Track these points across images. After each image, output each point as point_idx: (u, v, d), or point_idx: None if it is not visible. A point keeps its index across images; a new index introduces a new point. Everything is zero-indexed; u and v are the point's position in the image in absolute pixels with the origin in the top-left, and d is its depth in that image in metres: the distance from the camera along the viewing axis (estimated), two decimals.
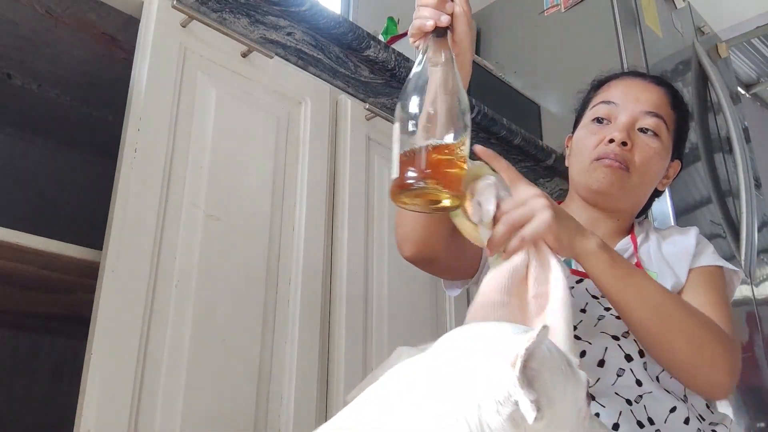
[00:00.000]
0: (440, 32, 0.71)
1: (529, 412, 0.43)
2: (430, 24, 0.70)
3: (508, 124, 1.51)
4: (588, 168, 0.94)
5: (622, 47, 1.91)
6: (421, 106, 0.65)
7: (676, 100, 0.99)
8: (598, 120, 0.97)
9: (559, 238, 0.68)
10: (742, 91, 3.48)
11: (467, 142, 0.66)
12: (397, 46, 1.83)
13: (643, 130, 0.94)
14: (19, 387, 1.27)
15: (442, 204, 0.67)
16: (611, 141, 0.92)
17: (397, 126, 0.67)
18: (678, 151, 1.01)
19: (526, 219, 0.67)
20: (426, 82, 0.67)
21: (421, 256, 0.89)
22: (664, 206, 1.73)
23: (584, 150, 0.96)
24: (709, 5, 2.66)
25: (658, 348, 0.78)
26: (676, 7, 2.23)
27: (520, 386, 0.43)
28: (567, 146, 1.07)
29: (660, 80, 1.01)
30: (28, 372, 1.29)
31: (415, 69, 0.69)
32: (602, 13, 2.01)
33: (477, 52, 2.29)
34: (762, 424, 1.79)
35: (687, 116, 1.02)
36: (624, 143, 0.92)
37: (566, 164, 1.05)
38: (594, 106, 0.99)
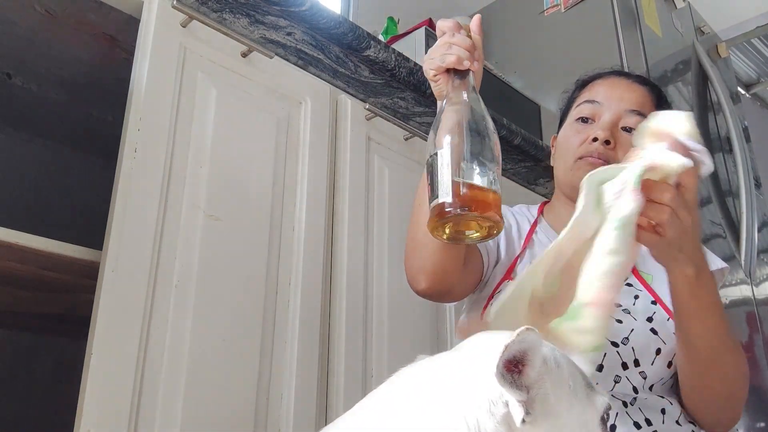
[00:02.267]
0: (465, 74, 0.74)
1: (516, 412, 0.43)
2: (467, 64, 0.73)
3: (508, 124, 1.51)
4: (572, 167, 0.94)
5: (622, 47, 1.91)
6: (453, 141, 0.67)
7: (659, 99, 0.99)
8: (582, 119, 0.97)
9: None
10: (742, 91, 3.48)
11: (499, 170, 0.68)
12: (397, 46, 1.83)
13: (626, 129, 0.94)
14: (19, 387, 1.27)
15: (479, 233, 0.67)
16: (595, 140, 0.92)
17: (438, 158, 0.67)
18: None
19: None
20: (458, 118, 0.69)
21: (436, 289, 0.87)
22: None
23: (568, 149, 0.96)
24: (709, 5, 2.66)
25: (695, 380, 0.80)
26: (676, 7, 2.23)
27: (500, 382, 0.43)
28: (552, 146, 1.07)
29: (644, 80, 1.01)
30: (28, 372, 1.29)
31: (447, 106, 0.71)
32: (602, 13, 2.00)
33: None
34: (762, 424, 1.79)
35: None
36: (607, 142, 0.91)
37: (551, 164, 1.05)
38: (578, 105, 0.99)
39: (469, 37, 0.75)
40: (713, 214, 1.96)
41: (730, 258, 1.94)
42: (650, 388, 0.84)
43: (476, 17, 0.78)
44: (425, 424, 0.46)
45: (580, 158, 0.93)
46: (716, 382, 0.78)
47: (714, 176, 2.04)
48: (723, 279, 0.98)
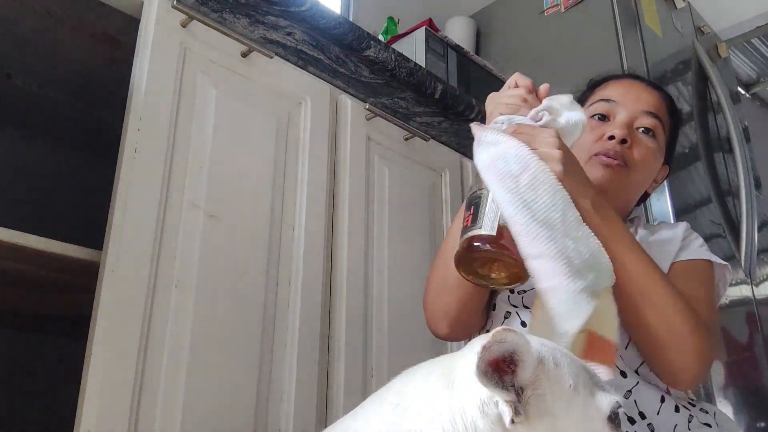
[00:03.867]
0: None
1: (505, 412, 0.43)
2: None
3: None
4: (586, 164, 0.93)
5: (622, 47, 1.91)
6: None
7: (672, 106, 1.01)
8: (599, 116, 0.97)
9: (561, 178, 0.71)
10: (742, 91, 3.47)
11: None
12: (397, 46, 1.83)
13: (641, 129, 0.94)
14: (19, 387, 1.27)
15: (503, 277, 0.68)
16: (611, 138, 0.92)
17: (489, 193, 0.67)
18: (668, 156, 1.02)
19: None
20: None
21: (458, 333, 0.89)
22: (664, 206, 1.73)
23: (582, 146, 0.95)
24: (709, 5, 2.65)
25: (630, 318, 0.78)
26: (676, 7, 2.23)
27: (483, 383, 0.43)
28: None
29: (656, 85, 1.02)
30: (28, 372, 1.29)
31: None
32: (602, 13, 2.00)
33: (477, 52, 2.29)
34: (762, 424, 1.79)
35: (679, 124, 1.04)
36: (624, 140, 0.92)
37: None
38: (592, 103, 1.00)
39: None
40: (713, 214, 1.96)
41: (730, 258, 1.94)
42: (637, 372, 0.83)
43: (545, 87, 0.82)
44: (423, 425, 0.46)
45: (596, 155, 0.93)
46: (649, 316, 0.76)
47: (714, 176, 2.04)
48: (726, 277, 0.97)
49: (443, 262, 0.86)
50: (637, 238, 0.98)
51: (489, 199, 0.65)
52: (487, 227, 0.64)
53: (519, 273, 0.65)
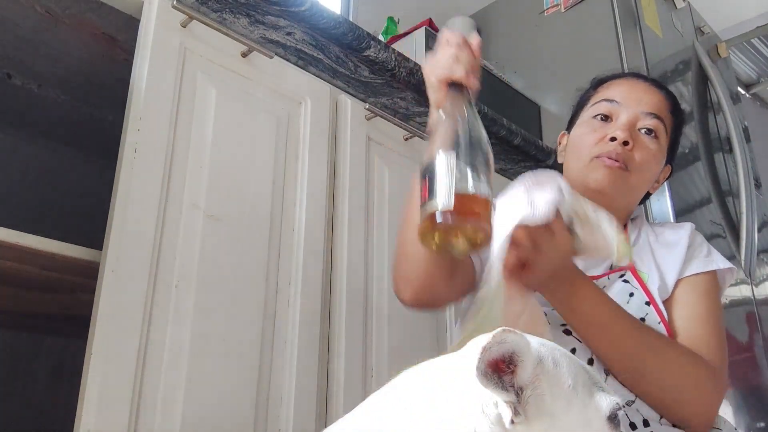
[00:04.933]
0: (464, 89, 0.75)
1: (505, 413, 0.43)
2: (473, 82, 0.75)
3: (508, 124, 1.51)
4: (587, 165, 0.94)
5: (622, 47, 1.91)
6: (456, 150, 0.66)
7: (675, 106, 1.00)
8: (602, 117, 0.96)
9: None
10: (742, 91, 3.47)
11: (491, 177, 0.68)
12: (397, 46, 1.83)
13: (643, 131, 0.94)
14: (19, 387, 1.27)
15: (467, 244, 0.66)
16: (613, 139, 0.91)
17: (440, 163, 0.66)
18: (670, 156, 1.01)
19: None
20: (461, 129, 0.69)
21: (422, 300, 0.86)
22: (664, 206, 1.73)
23: (583, 147, 0.95)
24: (709, 5, 2.65)
25: (635, 389, 0.79)
26: (676, 7, 2.23)
27: (483, 384, 0.43)
28: (560, 143, 1.06)
29: (660, 84, 1.01)
30: (28, 372, 1.29)
31: (448, 117, 0.71)
32: (602, 13, 2.01)
33: None
34: (762, 424, 1.79)
35: (682, 123, 1.03)
36: (626, 142, 0.91)
37: (559, 161, 1.04)
38: (595, 103, 0.99)
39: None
40: (713, 214, 1.97)
41: (730, 258, 1.93)
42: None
43: (478, 40, 0.78)
44: (424, 425, 0.46)
45: (597, 157, 0.92)
46: (652, 389, 0.78)
47: (714, 176, 2.05)
48: (731, 279, 0.96)
49: (403, 233, 0.85)
50: (641, 240, 0.98)
51: (441, 169, 0.64)
52: (442, 200, 0.63)
53: (482, 234, 0.65)
